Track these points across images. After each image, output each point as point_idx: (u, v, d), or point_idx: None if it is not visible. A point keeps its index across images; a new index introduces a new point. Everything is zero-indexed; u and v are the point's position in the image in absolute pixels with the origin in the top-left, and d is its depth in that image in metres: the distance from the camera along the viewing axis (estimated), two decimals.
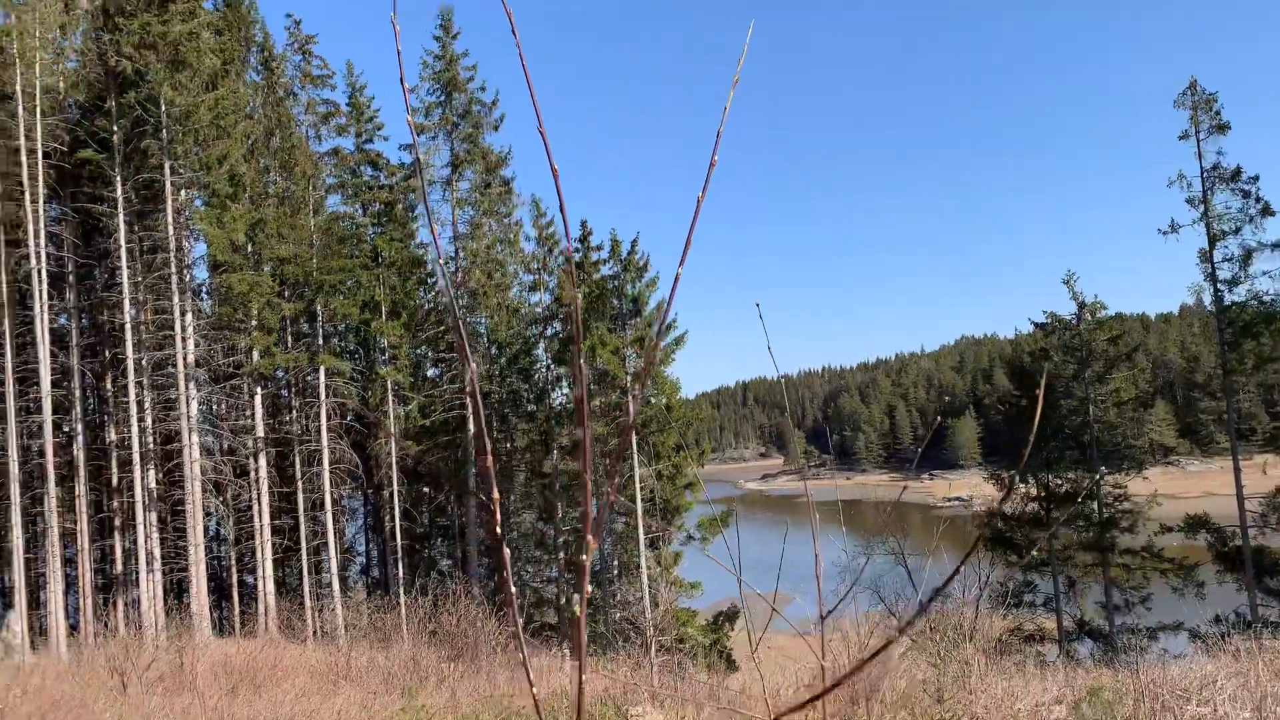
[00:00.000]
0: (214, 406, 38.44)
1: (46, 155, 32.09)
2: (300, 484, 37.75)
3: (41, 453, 31.36)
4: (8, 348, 31.88)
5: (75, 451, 33.63)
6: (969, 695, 15.01)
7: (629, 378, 39.88)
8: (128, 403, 33.13)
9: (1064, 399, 37.08)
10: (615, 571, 40.93)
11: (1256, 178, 34.68)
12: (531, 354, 45.30)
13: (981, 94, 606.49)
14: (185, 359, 33.28)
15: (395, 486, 39.40)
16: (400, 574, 38.47)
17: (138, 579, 32.78)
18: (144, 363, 33.42)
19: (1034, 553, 35.74)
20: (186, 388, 33.09)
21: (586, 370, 37.18)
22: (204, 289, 38.64)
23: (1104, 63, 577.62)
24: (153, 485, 33.15)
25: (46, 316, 31.46)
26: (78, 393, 33.92)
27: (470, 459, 41.34)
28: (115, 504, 35.29)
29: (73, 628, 32.74)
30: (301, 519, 37.40)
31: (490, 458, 1.47)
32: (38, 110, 31.51)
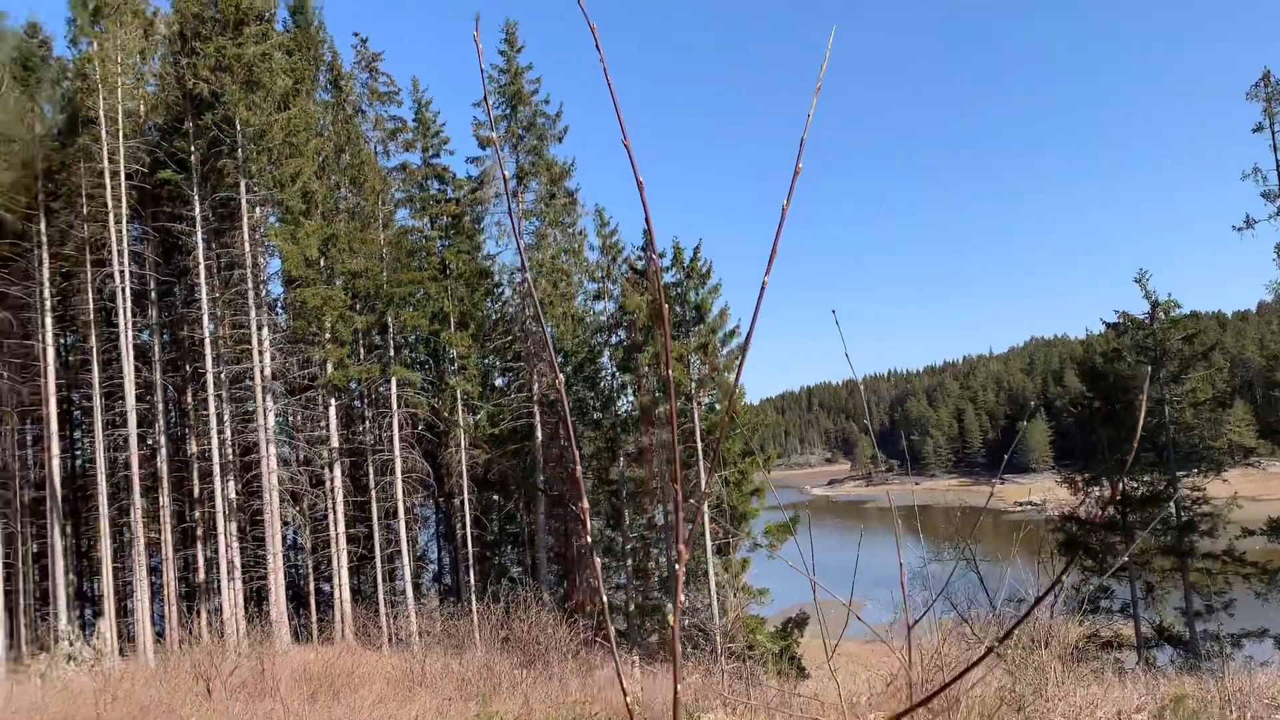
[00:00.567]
0: (290, 418, 39.33)
1: (128, 177, 33.24)
2: (374, 493, 38.47)
3: (127, 465, 32.44)
4: (94, 364, 33.06)
5: (159, 463, 34.73)
6: (1046, 703, 14.81)
7: (693, 384, 39.95)
8: (208, 416, 34.11)
9: (1138, 400, 36.24)
10: (683, 579, 40.92)
11: None
12: (596, 362, 45.58)
13: (1045, 80, 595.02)
14: (262, 372, 34.17)
15: (466, 494, 39.94)
16: (472, 581, 38.97)
17: (219, 587, 33.70)
18: (223, 376, 34.40)
19: (1112, 558, 34.97)
20: (264, 400, 33.97)
21: (651, 377, 37.20)
22: (279, 304, 39.61)
23: (1178, 50, 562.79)
24: (232, 496, 34.09)
25: (130, 333, 32.56)
26: (160, 406, 35.03)
27: (538, 466, 41.74)
28: (197, 514, 36.34)
29: (159, 634, 33.77)
30: (375, 527, 38.12)
31: (579, 467, 1.59)
32: (120, 133, 32.66)
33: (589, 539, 1.64)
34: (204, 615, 34.39)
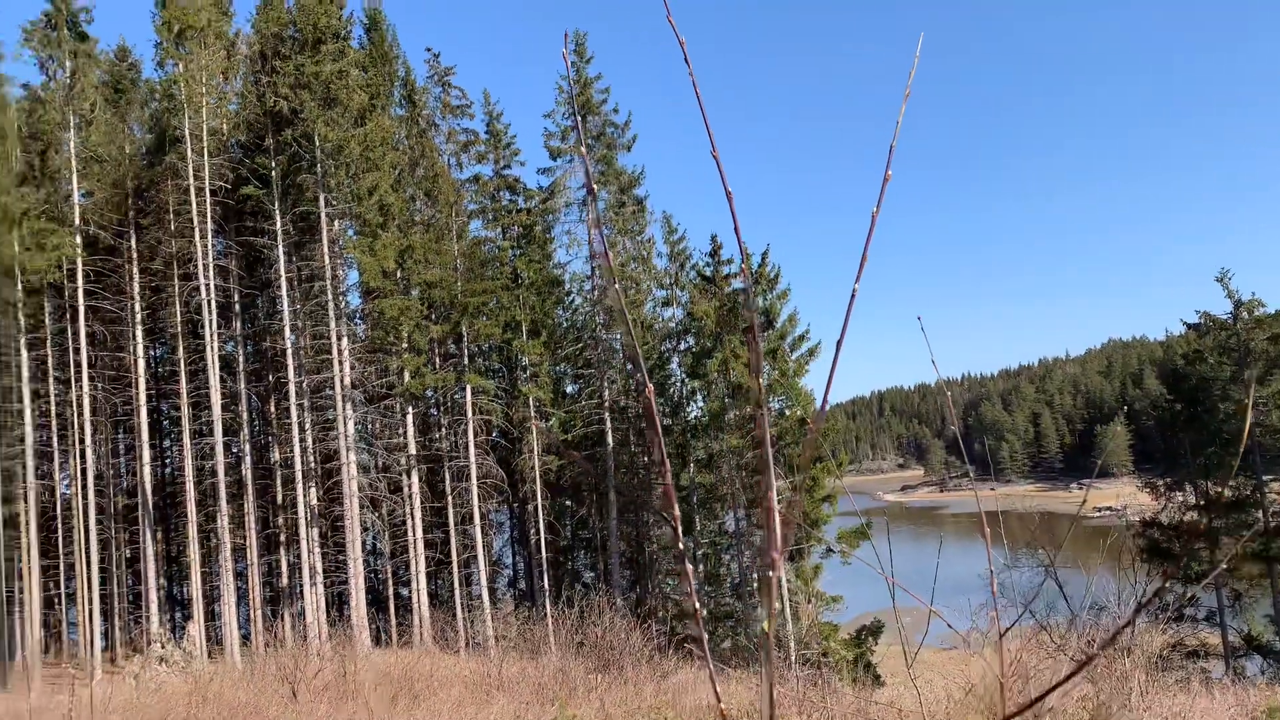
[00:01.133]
0: (369, 426, 40.23)
1: (213, 193, 34.37)
2: (450, 499, 39.14)
3: (214, 473, 33.50)
4: (182, 375, 34.21)
5: (244, 471, 35.79)
6: (1131, 714, 14.54)
7: (762, 389, 39.80)
8: (290, 424, 35.06)
9: (1221, 402, 35.24)
10: (755, 584, 40.88)
11: None
12: (666, 368, 45.77)
13: (1122, 69, 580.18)
14: (342, 381, 35.02)
15: (539, 500, 40.43)
16: (546, 586, 39.40)
17: (302, 591, 34.59)
18: (304, 386, 35.33)
19: (1196, 565, 34.04)
20: (344, 408, 34.80)
21: (720, 383, 37.20)
22: (358, 314, 40.58)
23: (1266, 40, 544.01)
24: (314, 502, 34.97)
25: (216, 345, 33.64)
26: (245, 416, 36.10)
27: (610, 472, 42.05)
28: (280, 520, 37.36)
29: (244, 637, 34.76)
30: (452, 533, 38.77)
31: (669, 474, 1.70)
32: (205, 151, 33.79)
33: (681, 545, 1.75)
34: (287, 619, 35.31)
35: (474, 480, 38.78)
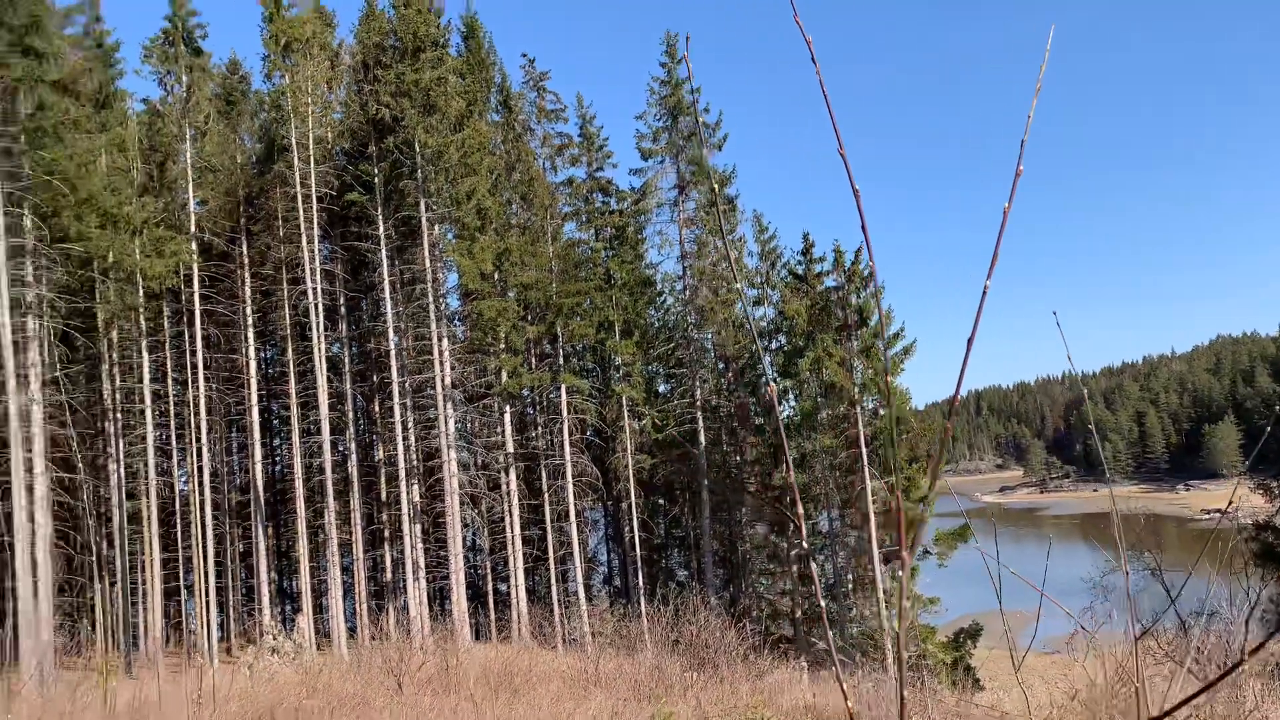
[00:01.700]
0: (469, 425, 41.12)
1: (319, 199, 35.55)
2: (547, 496, 39.79)
3: (321, 470, 34.68)
4: (291, 376, 35.49)
5: (350, 468, 36.96)
6: None
7: (857, 389, 39.56)
8: (393, 423, 36.09)
9: None
10: (850, 585, 40.57)
11: None
12: (757, 367, 45.66)
13: (1229, 65, 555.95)
14: (443, 381, 35.89)
15: (633, 499, 40.80)
16: (640, 583, 39.75)
17: (405, 586, 35.56)
18: (407, 386, 36.32)
19: None
20: (444, 408, 35.67)
21: (814, 384, 36.87)
22: (457, 316, 41.52)
23: None
24: (417, 499, 35.92)
25: (323, 346, 34.80)
26: (351, 415, 37.26)
27: (702, 471, 42.18)
28: (384, 517, 38.47)
29: (350, 630, 35.89)
30: (549, 530, 39.40)
31: (792, 473, 1.83)
32: (311, 159, 34.97)
33: (805, 543, 1.83)
34: (391, 613, 36.24)
35: (569, 478, 39.34)
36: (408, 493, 35.42)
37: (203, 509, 34.08)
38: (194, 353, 34.71)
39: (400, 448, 35.37)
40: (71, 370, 31.34)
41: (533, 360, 41.97)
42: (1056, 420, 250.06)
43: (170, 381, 35.52)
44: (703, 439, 42.39)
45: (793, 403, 44.35)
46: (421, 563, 35.44)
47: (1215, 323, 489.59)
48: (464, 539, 37.96)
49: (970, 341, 1.35)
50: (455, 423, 36.73)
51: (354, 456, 37.24)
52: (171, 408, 35.53)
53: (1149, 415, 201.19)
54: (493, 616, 38.64)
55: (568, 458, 39.46)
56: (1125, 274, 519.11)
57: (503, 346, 38.55)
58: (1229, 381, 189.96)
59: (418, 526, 35.68)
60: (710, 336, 44.83)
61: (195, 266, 34.31)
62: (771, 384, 1.67)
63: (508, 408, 39.52)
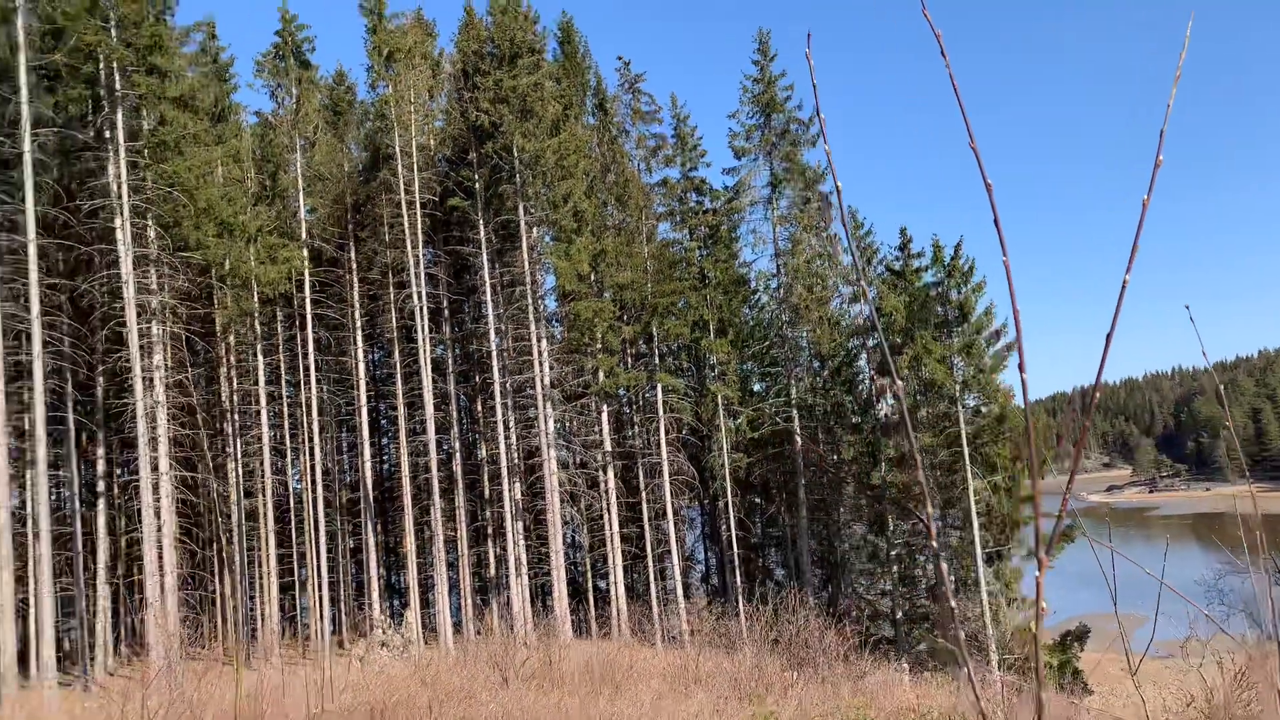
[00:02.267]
0: (567, 424, 41.73)
1: (422, 205, 36.50)
2: (644, 495, 40.13)
3: (427, 469, 35.64)
4: (397, 377, 36.54)
5: (454, 467, 37.88)
6: None
7: (958, 386, 38.94)
8: (495, 422, 36.86)
9: None
10: (952, 587, 39.96)
11: None
12: (854, 365, 45.30)
13: None
14: (542, 381, 36.53)
15: (729, 497, 40.86)
16: (738, 582, 39.79)
17: (508, 582, 36.30)
18: (507, 386, 37.07)
19: None
20: (544, 407, 36.30)
21: (913, 381, 36.47)
22: (555, 317, 42.16)
23: None
24: (518, 497, 36.64)
25: (427, 348, 35.73)
26: (455, 415, 38.20)
27: (799, 470, 42.01)
28: (488, 514, 39.32)
29: (456, 625, 36.77)
30: (646, 528, 39.73)
31: (921, 471, 1.81)
32: (414, 167, 35.92)
33: (934, 544, 1.82)
34: (495, 608, 37.14)
35: (666, 477, 39.61)
36: (510, 490, 36.13)
37: (315, 507, 35.33)
38: (306, 355, 35.99)
39: (502, 446, 36.10)
40: (192, 373, 32.84)
41: (628, 360, 42.35)
42: (1166, 417, 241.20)
43: (284, 383, 36.95)
44: (799, 438, 42.18)
45: (890, 401, 43.83)
46: (523, 559, 36.11)
47: None
48: (564, 536, 38.56)
49: (1109, 338, 1.33)
50: (554, 422, 37.31)
51: (458, 455, 38.15)
52: (285, 409, 36.93)
53: (1265, 411, 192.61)
54: (592, 613, 39.12)
55: (664, 456, 39.73)
56: (1239, 263, 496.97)
57: (599, 346, 39.01)
58: None
59: (519, 524, 36.37)
60: (805, 334, 44.59)
61: (306, 272, 35.57)
62: (898, 382, 1.73)
63: (605, 407, 39.97)
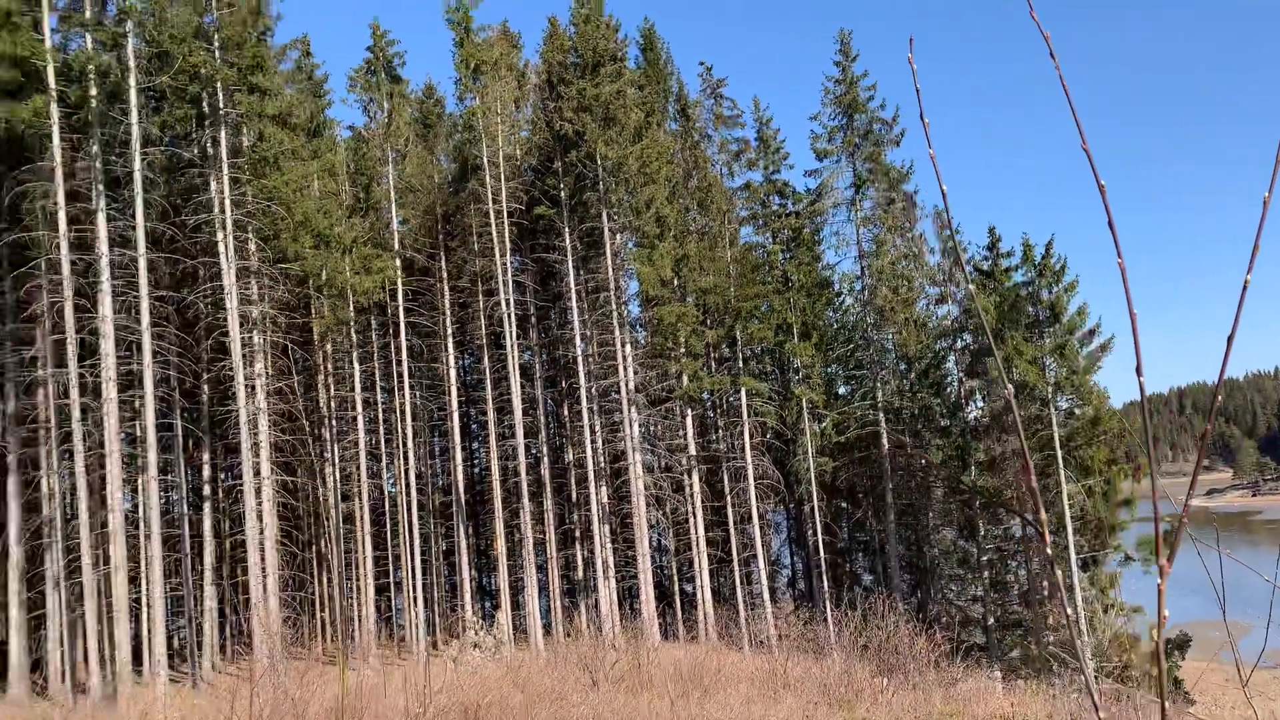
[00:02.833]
0: (652, 428, 42.04)
1: (509, 214, 37.17)
2: (729, 499, 40.20)
3: (516, 472, 36.28)
4: (487, 383, 37.25)
5: (542, 471, 38.48)
6: None
7: (1050, 388, 38.24)
8: (581, 427, 37.34)
9: None
10: (1045, 593, 39.20)
11: None
12: (942, 368, 44.76)
13: None
14: (626, 386, 36.87)
15: (815, 501, 40.67)
16: (825, 587, 39.59)
17: (596, 585, 36.70)
18: (593, 390, 37.52)
19: None
20: (628, 411, 36.63)
21: (1003, 382, 36.00)
22: (639, 322, 42.52)
23: None
24: (605, 500, 37.03)
25: (515, 354, 36.37)
26: (542, 419, 38.80)
27: (886, 474, 41.63)
28: (575, 517, 39.84)
29: (546, 627, 37.32)
30: (731, 532, 39.79)
31: (1032, 476, 1.84)
32: (501, 176, 36.60)
33: (1050, 549, 1.86)
34: (583, 611, 37.57)
35: (751, 481, 39.61)
36: (596, 494, 36.55)
37: (409, 510, 36.23)
38: (399, 363, 36.96)
39: (588, 450, 36.54)
40: (291, 381, 33.97)
41: (712, 364, 42.48)
42: (1269, 418, 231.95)
43: (379, 390, 37.98)
44: (885, 441, 41.79)
45: (980, 403, 43.19)
46: (611, 562, 36.48)
47: None
48: (650, 540, 38.83)
49: (1230, 340, 1.29)
50: (639, 426, 37.62)
51: (546, 459, 38.72)
52: (380, 414, 37.96)
53: None
54: (679, 616, 39.33)
55: (749, 460, 39.74)
56: None
57: (683, 351, 39.21)
58: None
59: (606, 527, 36.75)
60: (891, 337, 44.20)
61: (399, 281, 36.51)
62: (1009, 386, 1.80)
63: (689, 411, 40.15)
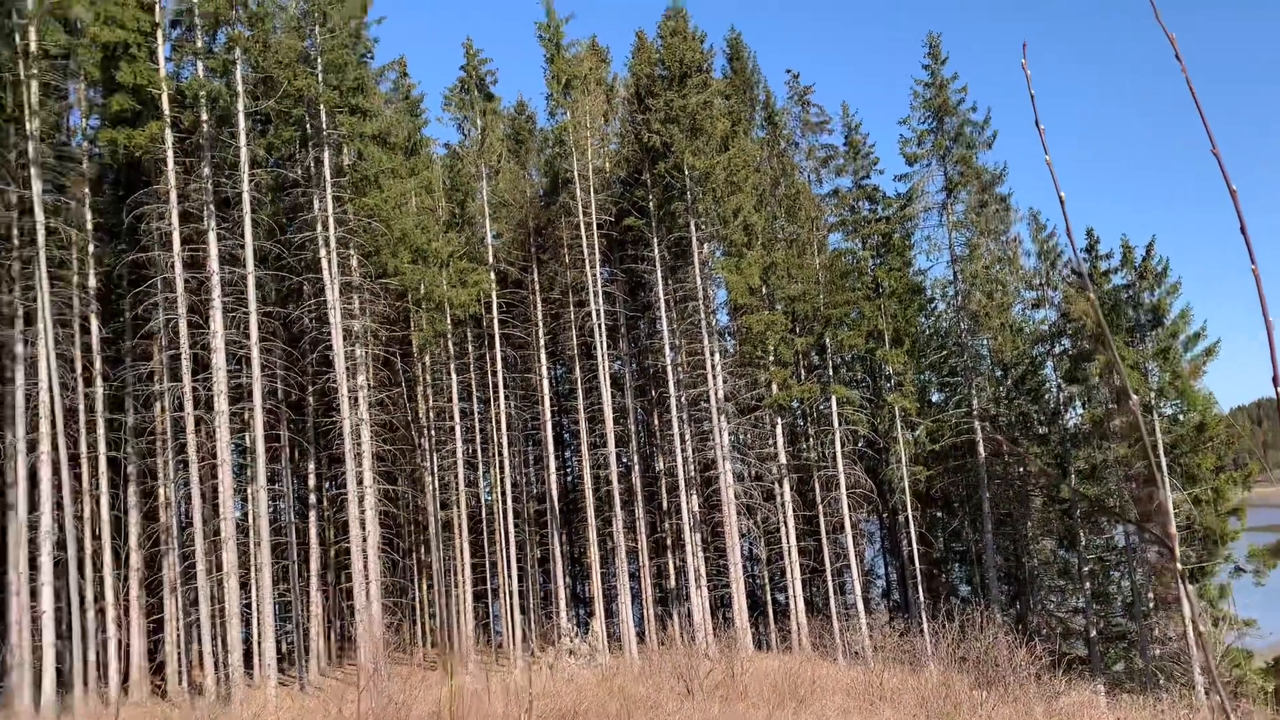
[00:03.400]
0: (741, 436, 42.07)
1: (599, 226, 37.65)
2: (821, 508, 39.97)
3: (608, 481, 36.69)
4: (578, 392, 37.80)
5: (633, 479, 38.84)
6: None
7: (1152, 394, 37.24)
8: (671, 435, 37.60)
9: None
10: (1150, 605, 38.10)
11: None
12: (1039, 374, 43.88)
13: None
14: (715, 394, 36.99)
15: (909, 511, 40.16)
16: (920, 598, 39.05)
17: (688, 593, 36.86)
18: (682, 400, 37.74)
19: None
20: (718, 420, 36.74)
21: (1103, 388, 35.06)
22: (727, 331, 42.62)
23: None
24: (695, 509, 37.19)
25: (606, 364, 36.81)
26: (633, 429, 39.16)
27: (983, 483, 40.91)
28: (666, 526, 40.09)
29: (639, 635, 37.61)
30: (824, 541, 39.55)
31: (1164, 490, 1.83)
32: (590, 189, 37.10)
33: (1178, 565, 1.86)
34: (676, 619, 37.76)
35: (843, 490, 39.33)
36: (687, 503, 36.72)
37: (505, 518, 36.91)
38: (494, 373, 37.73)
39: (679, 459, 36.74)
40: (391, 392, 34.94)
41: (801, 372, 42.31)
42: None
43: (475, 400, 38.82)
44: (981, 449, 41.07)
45: (1079, 410, 42.17)
46: (702, 571, 36.59)
47: None
48: (741, 549, 38.84)
49: None
50: (729, 435, 37.70)
51: (636, 468, 39.07)
52: (476, 424, 38.78)
53: None
54: (772, 626, 39.22)
55: (840, 469, 39.46)
56: None
57: (772, 359, 39.17)
58: None
59: (698, 536, 36.89)
60: (985, 342, 43.48)
61: (494, 294, 37.28)
62: (1133, 396, 1.81)
63: (779, 419, 40.06)
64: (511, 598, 36.31)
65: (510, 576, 36.42)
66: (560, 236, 38.53)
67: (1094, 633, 39.17)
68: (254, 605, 28.72)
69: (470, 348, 38.79)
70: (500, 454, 37.42)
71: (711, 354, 37.58)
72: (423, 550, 38.85)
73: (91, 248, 28.84)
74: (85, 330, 28.67)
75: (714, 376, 37.28)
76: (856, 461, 41.44)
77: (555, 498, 38.42)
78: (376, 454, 31.89)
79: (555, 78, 37.27)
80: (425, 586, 38.66)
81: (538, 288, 39.51)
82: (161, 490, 29.88)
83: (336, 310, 30.28)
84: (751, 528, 39.65)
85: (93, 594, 27.70)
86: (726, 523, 36.35)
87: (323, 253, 30.40)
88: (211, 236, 28.05)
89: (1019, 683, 26.40)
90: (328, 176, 30.52)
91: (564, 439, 46.96)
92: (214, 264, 28.00)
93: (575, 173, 36.84)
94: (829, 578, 39.47)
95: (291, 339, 32.74)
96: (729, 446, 37.60)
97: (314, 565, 32.67)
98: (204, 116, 28.38)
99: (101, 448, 28.36)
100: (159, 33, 27.92)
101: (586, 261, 36.61)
